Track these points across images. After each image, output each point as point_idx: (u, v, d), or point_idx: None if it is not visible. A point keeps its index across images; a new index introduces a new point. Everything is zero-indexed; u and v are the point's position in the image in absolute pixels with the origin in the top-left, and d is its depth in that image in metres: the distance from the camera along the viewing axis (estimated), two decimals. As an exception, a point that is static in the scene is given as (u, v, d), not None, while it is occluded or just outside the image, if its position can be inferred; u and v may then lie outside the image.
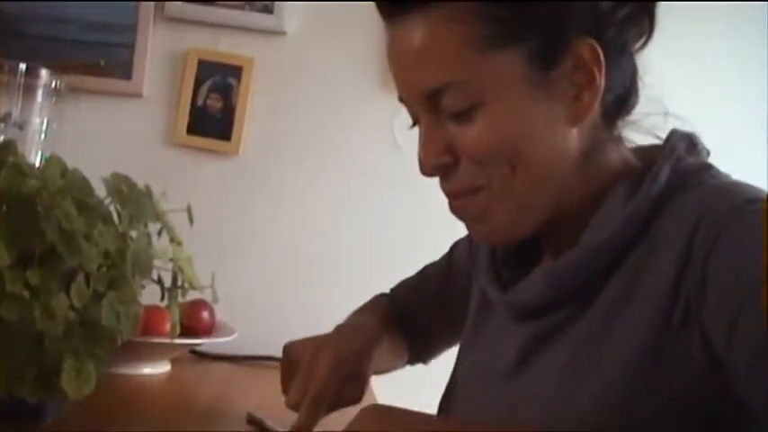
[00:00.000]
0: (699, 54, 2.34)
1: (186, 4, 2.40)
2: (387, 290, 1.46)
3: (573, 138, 0.93)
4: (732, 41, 2.37)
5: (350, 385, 1.14)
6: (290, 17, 2.38)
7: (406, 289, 1.44)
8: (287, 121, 2.39)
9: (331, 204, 2.37)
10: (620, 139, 0.99)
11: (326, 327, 1.24)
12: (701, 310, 0.80)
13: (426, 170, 0.96)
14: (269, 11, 2.38)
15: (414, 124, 1.00)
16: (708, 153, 0.99)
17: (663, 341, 0.82)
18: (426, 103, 0.93)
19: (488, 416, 1.00)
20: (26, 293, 1.09)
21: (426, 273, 1.43)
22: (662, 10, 0.95)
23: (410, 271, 1.42)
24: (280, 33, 2.39)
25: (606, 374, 0.85)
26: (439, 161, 0.94)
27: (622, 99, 0.97)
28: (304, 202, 2.38)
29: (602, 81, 0.91)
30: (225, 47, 2.40)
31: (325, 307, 2.27)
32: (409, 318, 1.37)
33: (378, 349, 1.21)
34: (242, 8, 2.39)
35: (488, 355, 1.06)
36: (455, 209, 0.98)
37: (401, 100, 0.98)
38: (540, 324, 0.96)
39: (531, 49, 0.88)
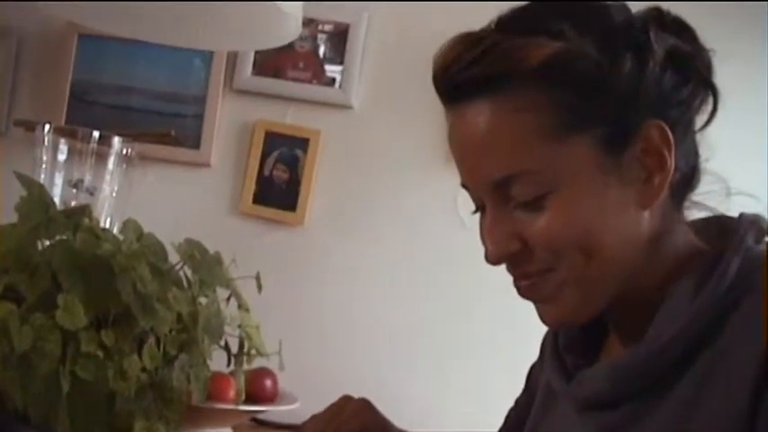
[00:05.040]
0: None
1: (255, 78, 2.45)
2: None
3: (644, 221, 0.90)
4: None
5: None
6: (357, 91, 2.41)
7: None
8: (352, 193, 2.41)
9: (392, 277, 2.36)
10: (685, 221, 0.96)
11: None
12: None
13: (494, 259, 0.92)
14: (336, 85, 2.42)
15: (476, 210, 0.97)
16: None
17: None
18: (492, 192, 0.90)
19: None
20: (100, 353, 1.11)
21: (510, 417, 1.29)
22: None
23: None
24: (346, 107, 2.42)
25: None
26: (507, 250, 0.91)
27: (688, 178, 0.95)
28: (367, 275, 2.37)
29: (672, 162, 0.88)
30: (292, 119, 2.44)
31: (392, 382, 2.26)
32: None
33: None
34: (309, 82, 2.43)
35: None
36: (524, 291, 0.95)
37: (464, 186, 0.96)
38: (604, 418, 0.93)
39: (600, 135, 0.87)
